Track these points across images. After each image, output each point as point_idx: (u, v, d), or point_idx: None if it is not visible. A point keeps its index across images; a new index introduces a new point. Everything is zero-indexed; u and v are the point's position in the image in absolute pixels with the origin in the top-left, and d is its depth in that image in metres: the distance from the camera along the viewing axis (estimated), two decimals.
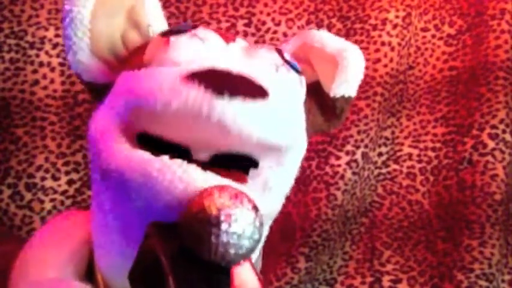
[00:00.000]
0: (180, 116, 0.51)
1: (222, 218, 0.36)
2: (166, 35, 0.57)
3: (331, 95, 0.63)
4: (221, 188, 0.38)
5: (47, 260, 0.64)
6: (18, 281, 0.64)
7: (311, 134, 0.63)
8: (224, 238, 0.36)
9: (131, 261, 0.44)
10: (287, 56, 0.59)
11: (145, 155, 0.53)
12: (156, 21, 0.63)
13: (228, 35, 0.61)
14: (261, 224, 0.37)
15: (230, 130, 0.50)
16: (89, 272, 0.66)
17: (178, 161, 0.50)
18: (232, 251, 0.36)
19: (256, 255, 0.58)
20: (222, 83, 0.50)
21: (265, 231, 0.60)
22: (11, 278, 0.65)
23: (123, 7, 0.60)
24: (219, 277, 0.36)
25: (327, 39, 0.64)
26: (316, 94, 0.63)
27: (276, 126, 0.54)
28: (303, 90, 0.60)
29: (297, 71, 0.58)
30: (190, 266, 0.37)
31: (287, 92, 0.56)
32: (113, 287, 0.63)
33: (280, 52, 0.58)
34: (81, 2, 0.57)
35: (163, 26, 0.63)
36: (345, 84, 0.63)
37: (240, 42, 0.60)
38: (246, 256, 0.36)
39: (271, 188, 0.58)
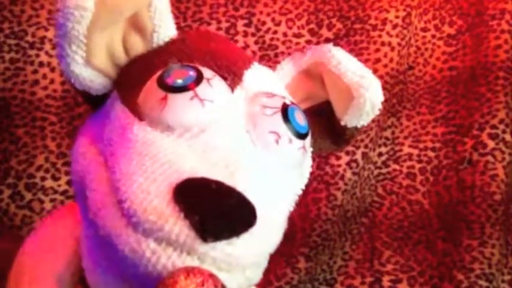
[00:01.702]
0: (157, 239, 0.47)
1: None
2: (164, 86, 0.52)
3: (342, 123, 0.60)
4: (187, 274, 0.37)
5: (40, 274, 0.63)
6: (16, 283, 0.64)
7: (317, 152, 0.61)
8: None
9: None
10: (292, 115, 0.54)
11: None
12: (163, 26, 0.57)
13: (240, 67, 0.56)
14: None
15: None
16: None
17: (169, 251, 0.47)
18: None
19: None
20: (216, 222, 0.46)
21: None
22: (9, 278, 0.65)
23: (121, 17, 0.55)
24: None
25: (345, 67, 0.58)
26: (326, 115, 0.61)
27: (263, 247, 0.51)
28: (304, 154, 0.56)
29: (300, 135, 0.54)
30: None
31: (282, 167, 0.53)
32: None
33: (285, 107, 0.54)
34: (76, 18, 0.52)
35: (171, 31, 0.58)
36: (359, 118, 0.60)
37: (247, 83, 0.56)
38: None
39: None
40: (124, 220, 0.48)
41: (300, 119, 0.55)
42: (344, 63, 0.58)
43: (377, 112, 0.59)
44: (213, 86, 0.53)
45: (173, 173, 0.48)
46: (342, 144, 0.63)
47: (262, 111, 0.54)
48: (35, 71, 1.08)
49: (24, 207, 1.05)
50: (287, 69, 0.63)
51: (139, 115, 0.53)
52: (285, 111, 0.54)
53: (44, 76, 1.08)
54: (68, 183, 1.07)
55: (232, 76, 0.55)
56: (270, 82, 0.59)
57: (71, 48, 0.54)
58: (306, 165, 0.59)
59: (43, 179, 1.06)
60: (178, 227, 0.46)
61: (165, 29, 0.57)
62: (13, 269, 0.66)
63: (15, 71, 1.08)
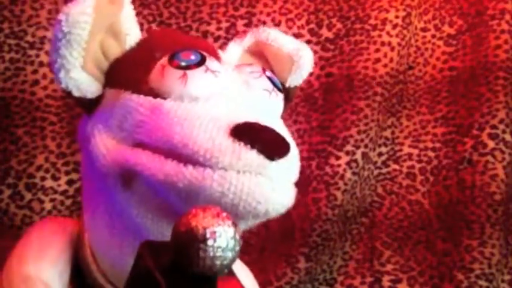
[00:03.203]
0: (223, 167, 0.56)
1: (208, 235, 0.42)
2: (179, 66, 0.61)
3: (287, 85, 0.71)
4: (204, 209, 0.44)
5: (32, 275, 0.66)
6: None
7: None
8: (211, 252, 0.42)
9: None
10: (273, 78, 0.66)
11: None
12: (133, 29, 0.65)
13: (215, 51, 0.67)
14: (240, 237, 0.44)
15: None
16: (74, 276, 0.69)
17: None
18: (218, 262, 0.42)
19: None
20: (270, 146, 0.57)
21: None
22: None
23: (109, 21, 0.62)
24: (207, 286, 0.44)
25: (282, 40, 0.72)
26: None
27: (297, 166, 0.61)
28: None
29: (279, 89, 0.66)
30: (181, 278, 0.43)
31: (278, 115, 0.65)
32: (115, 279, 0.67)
33: (264, 71, 0.65)
34: (81, 25, 0.59)
35: (138, 34, 0.66)
36: (300, 77, 0.72)
37: (224, 59, 0.66)
38: (230, 265, 0.43)
39: None
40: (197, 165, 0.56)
41: (275, 78, 0.67)
42: (280, 37, 0.72)
43: (311, 67, 0.73)
44: (212, 60, 0.63)
45: (221, 121, 0.57)
46: (288, 104, 0.73)
47: (252, 76, 0.65)
48: (35, 71, 1.08)
49: (24, 207, 1.05)
50: (233, 51, 0.72)
51: (158, 97, 0.60)
52: (264, 73, 0.66)
53: (44, 76, 1.08)
54: (68, 183, 1.07)
55: (215, 56, 0.65)
56: (235, 58, 0.71)
57: (72, 55, 0.60)
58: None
59: (43, 179, 1.06)
60: (249, 154, 0.56)
61: (135, 32, 0.65)
62: (4, 272, 0.68)
63: (15, 71, 1.08)
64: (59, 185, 1.07)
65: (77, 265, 0.70)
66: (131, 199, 0.61)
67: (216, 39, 1.15)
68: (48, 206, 1.06)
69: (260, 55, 0.73)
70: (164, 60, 0.62)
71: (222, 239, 0.42)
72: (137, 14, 0.66)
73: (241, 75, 0.65)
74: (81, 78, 0.62)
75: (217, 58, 0.65)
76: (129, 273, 0.48)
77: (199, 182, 0.56)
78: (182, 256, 0.43)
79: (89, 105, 0.64)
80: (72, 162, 1.08)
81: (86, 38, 0.60)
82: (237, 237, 0.43)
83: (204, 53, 0.63)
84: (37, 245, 0.69)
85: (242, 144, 0.56)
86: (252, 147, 0.56)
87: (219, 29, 1.16)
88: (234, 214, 0.52)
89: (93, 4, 0.59)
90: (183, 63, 0.61)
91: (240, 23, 1.17)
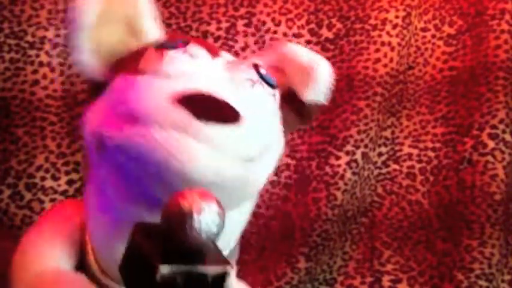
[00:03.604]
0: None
1: (194, 211, 0.49)
2: (160, 47, 0.65)
3: (304, 100, 0.73)
4: (191, 190, 0.50)
5: (43, 250, 0.69)
6: (20, 273, 0.68)
7: (289, 132, 0.73)
8: (197, 226, 0.49)
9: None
10: (263, 71, 0.67)
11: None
12: (152, 30, 0.69)
13: (215, 49, 0.69)
14: (223, 214, 0.50)
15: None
16: (82, 257, 0.70)
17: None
18: (204, 235, 0.49)
19: (232, 245, 0.70)
20: (206, 109, 0.60)
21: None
22: (12, 269, 0.69)
23: (123, 16, 0.67)
24: (195, 256, 0.50)
25: (300, 53, 0.74)
26: (290, 99, 0.73)
27: (248, 143, 0.63)
28: (276, 101, 0.68)
29: (271, 85, 0.67)
30: (172, 255, 0.50)
31: (259, 105, 0.65)
32: (108, 269, 0.68)
33: (257, 67, 0.67)
34: (87, 13, 0.65)
35: (158, 35, 0.70)
36: (318, 92, 0.73)
37: (224, 57, 0.68)
38: (215, 238, 0.50)
39: None
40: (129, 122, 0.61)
41: (269, 75, 0.68)
42: (299, 51, 0.74)
43: (329, 85, 0.73)
44: (198, 48, 0.66)
45: (172, 90, 0.61)
46: (307, 120, 0.77)
47: (239, 66, 0.67)
48: (35, 71, 1.08)
49: (24, 207, 1.05)
50: (252, 74, 0.72)
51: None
52: (256, 68, 0.67)
53: (44, 76, 1.08)
54: (68, 183, 1.07)
55: (212, 51, 0.67)
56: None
57: (81, 40, 0.65)
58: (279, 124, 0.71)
59: (43, 179, 1.07)
60: (176, 113, 0.59)
61: (155, 32, 0.69)
62: (17, 250, 0.70)
63: (15, 71, 1.08)
64: (59, 185, 1.07)
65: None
66: (104, 167, 0.65)
67: (216, 39, 1.15)
68: (48, 206, 1.06)
69: (281, 70, 0.74)
70: (154, 45, 0.67)
71: (207, 214, 0.49)
72: None
73: (227, 65, 0.67)
74: (90, 62, 0.66)
75: (212, 52, 0.67)
76: (123, 254, 0.53)
77: (131, 138, 0.60)
78: (172, 231, 0.49)
79: (98, 88, 0.68)
80: (72, 162, 1.08)
81: (92, 25, 0.65)
82: (221, 213, 0.50)
83: (191, 41, 0.66)
84: (48, 231, 0.71)
85: (178, 105, 0.59)
86: (186, 108, 0.59)
87: (219, 29, 1.16)
88: (169, 175, 0.58)
89: None
90: (165, 44, 0.66)
91: (240, 23, 1.17)
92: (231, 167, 0.61)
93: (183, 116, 0.59)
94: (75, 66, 0.69)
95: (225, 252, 0.64)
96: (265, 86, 0.66)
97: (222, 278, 0.51)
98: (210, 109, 0.60)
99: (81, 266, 0.70)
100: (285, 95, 0.72)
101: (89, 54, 0.66)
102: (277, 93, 0.68)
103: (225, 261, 0.52)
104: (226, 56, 0.70)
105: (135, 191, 0.63)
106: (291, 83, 0.73)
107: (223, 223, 0.50)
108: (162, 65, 0.63)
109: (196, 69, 0.64)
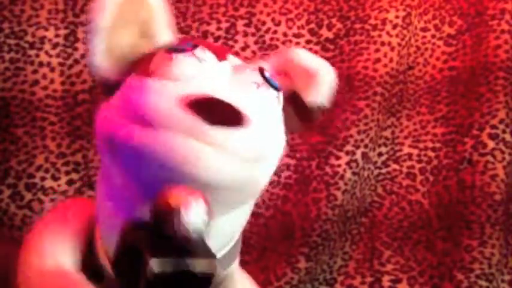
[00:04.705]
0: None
1: (183, 208, 0.53)
2: (170, 51, 0.66)
3: (307, 103, 0.74)
4: (179, 188, 0.55)
5: (46, 249, 0.70)
6: (24, 270, 0.69)
7: (290, 133, 0.74)
8: (185, 220, 0.53)
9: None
10: (267, 75, 0.68)
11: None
12: (165, 34, 0.70)
13: (222, 51, 0.70)
14: (209, 210, 0.54)
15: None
16: (87, 257, 0.70)
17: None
18: (191, 228, 0.53)
19: (233, 242, 0.71)
20: (214, 113, 0.61)
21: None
22: (18, 266, 0.69)
23: (137, 20, 0.69)
24: (183, 250, 0.54)
25: (305, 57, 0.75)
26: (294, 102, 0.73)
27: (256, 145, 0.64)
28: (279, 104, 0.69)
29: (275, 88, 0.68)
30: (162, 249, 0.53)
31: (265, 107, 0.67)
32: None
33: (262, 71, 0.68)
34: (103, 17, 0.66)
35: (171, 38, 0.70)
36: (319, 94, 0.73)
37: (231, 60, 0.69)
38: (201, 231, 0.54)
39: None
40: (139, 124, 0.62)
41: (273, 78, 0.69)
42: (304, 56, 0.75)
43: (332, 90, 0.74)
44: (205, 52, 0.67)
45: (179, 93, 0.63)
46: (309, 123, 0.77)
47: (245, 69, 0.68)
48: (35, 71, 1.08)
49: (24, 207, 1.05)
50: (257, 77, 0.73)
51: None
52: (262, 72, 0.68)
53: (44, 76, 1.08)
54: (68, 183, 1.07)
55: (219, 54, 0.68)
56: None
57: (96, 42, 0.67)
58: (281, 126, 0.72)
59: (43, 179, 1.07)
60: (182, 115, 0.61)
61: (167, 37, 0.70)
62: (22, 246, 0.71)
63: (15, 71, 1.08)
64: (59, 185, 1.07)
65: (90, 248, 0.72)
66: (115, 167, 0.65)
67: (216, 39, 1.15)
68: (48, 206, 1.06)
69: (286, 74, 0.75)
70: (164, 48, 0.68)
71: (194, 211, 0.53)
72: None
73: (234, 69, 0.68)
74: (103, 64, 0.68)
75: (220, 55, 0.68)
76: (114, 249, 0.56)
77: (142, 141, 0.61)
78: (161, 226, 0.53)
79: (110, 89, 0.69)
80: (72, 162, 1.08)
81: (107, 28, 0.66)
82: (206, 209, 0.54)
83: (200, 45, 0.67)
84: (53, 230, 0.72)
85: (187, 109, 0.61)
86: (195, 112, 0.61)
87: (219, 29, 1.16)
88: (179, 178, 0.58)
89: (120, 1, 0.66)
90: (174, 48, 0.67)
91: (240, 23, 1.17)
92: (240, 169, 0.62)
93: (193, 120, 0.60)
94: (89, 66, 0.70)
95: (226, 249, 0.68)
96: (270, 88, 0.68)
97: (210, 271, 0.54)
98: (219, 113, 0.62)
99: (89, 261, 0.70)
100: (289, 97, 0.73)
101: (102, 55, 0.67)
102: (280, 95, 0.69)
103: (212, 255, 0.55)
104: (233, 60, 0.71)
105: (146, 192, 0.63)
106: (295, 86, 0.74)
107: (208, 218, 0.54)
108: (170, 68, 0.65)
109: (203, 72, 0.65)
